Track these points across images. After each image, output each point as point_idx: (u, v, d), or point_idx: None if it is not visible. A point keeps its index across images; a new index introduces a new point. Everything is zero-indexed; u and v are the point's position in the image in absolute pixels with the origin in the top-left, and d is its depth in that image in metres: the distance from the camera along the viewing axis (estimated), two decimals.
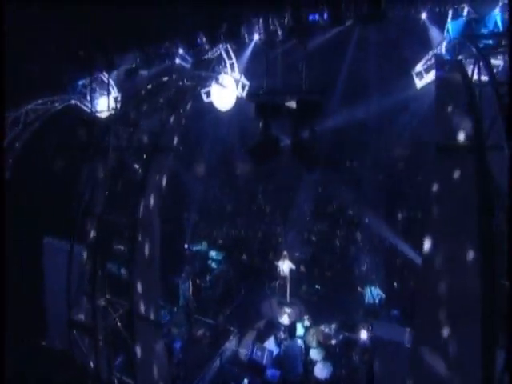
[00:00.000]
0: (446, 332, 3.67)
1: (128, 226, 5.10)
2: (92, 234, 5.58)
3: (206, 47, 6.38)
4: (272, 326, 10.58)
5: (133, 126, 5.93)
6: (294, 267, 12.13)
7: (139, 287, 5.11)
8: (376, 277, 11.87)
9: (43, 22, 7.57)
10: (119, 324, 5.29)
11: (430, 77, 6.42)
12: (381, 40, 8.46)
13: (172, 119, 5.87)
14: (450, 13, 5.74)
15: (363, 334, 9.48)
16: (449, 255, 3.90)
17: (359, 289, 11.24)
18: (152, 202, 5.32)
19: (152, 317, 5.11)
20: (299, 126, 5.17)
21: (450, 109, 4.31)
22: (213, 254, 14.33)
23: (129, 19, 6.57)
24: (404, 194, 15.00)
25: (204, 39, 6.12)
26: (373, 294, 10.76)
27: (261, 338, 10.33)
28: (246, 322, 11.13)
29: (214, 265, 14.04)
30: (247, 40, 7.82)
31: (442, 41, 5.91)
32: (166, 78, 7.13)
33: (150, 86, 6.74)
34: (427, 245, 3.96)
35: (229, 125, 12.42)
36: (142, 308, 5.08)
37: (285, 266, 12.15)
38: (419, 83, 6.66)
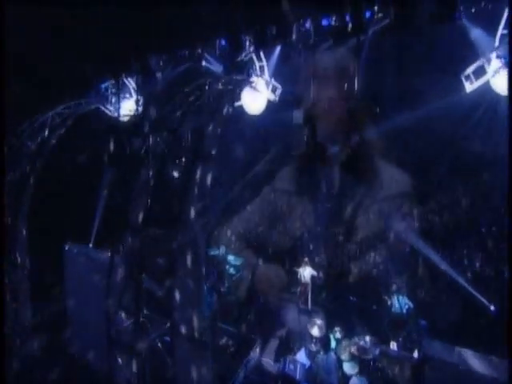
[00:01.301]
0: None
1: (170, 238, 4.86)
2: (130, 245, 5.34)
3: (250, 49, 6.10)
4: (295, 335, 10.26)
5: (171, 132, 5.70)
6: (315, 273, 11.84)
7: (182, 303, 4.85)
8: (400, 284, 11.51)
9: (69, 24, 7.35)
10: (159, 343, 5.04)
11: (482, 80, 6.09)
12: (417, 42, 8.10)
13: (210, 125, 5.62)
14: (507, 10, 5.39)
15: (394, 347, 9.11)
16: None
17: (385, 297, 10.87)
18: (194, 212, 5.07)
19: (197, 336, 4.85)
20: (350, 135, 4.91)
21: None
22: (231, 258, 13.98)
23: (162, 20, 6.34)
24: (428, 195, 14.65)
25: (252, 42, 5.85)
26: (400, 303, 10.37)
27: (283, 347, 9.99)
28: (267, 330, 10.83)
29: (232, 270, 13.72)
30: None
31: (501, 42, 5.57)
32: (198, 82, 6.84)
33: (185, 90, 6.48)
34: None
35: (255, 128, 12.12)
36: (185, 326, 4.82)
37: (306, 273, 11.84)
38: (469, 87, 6.31)
